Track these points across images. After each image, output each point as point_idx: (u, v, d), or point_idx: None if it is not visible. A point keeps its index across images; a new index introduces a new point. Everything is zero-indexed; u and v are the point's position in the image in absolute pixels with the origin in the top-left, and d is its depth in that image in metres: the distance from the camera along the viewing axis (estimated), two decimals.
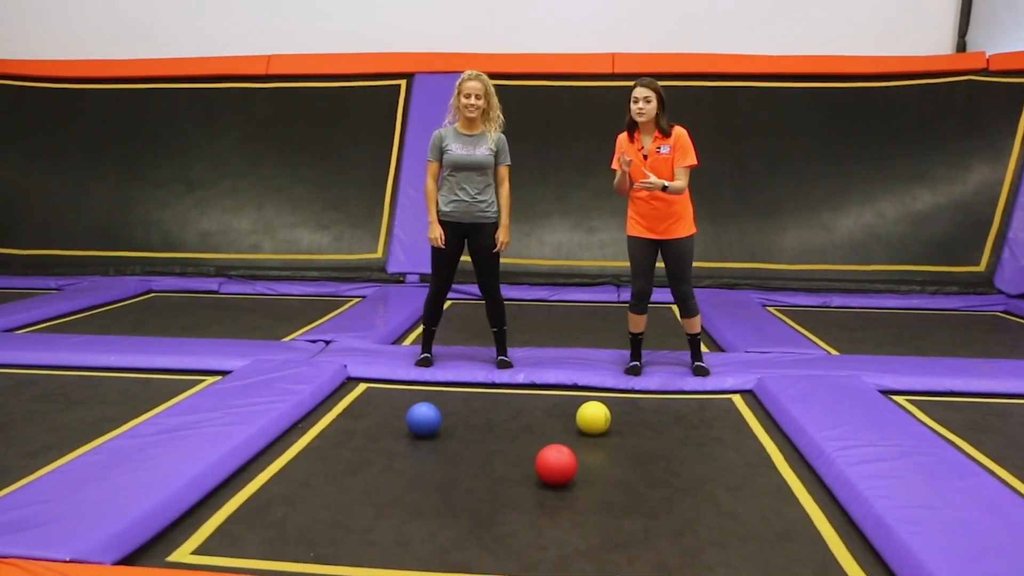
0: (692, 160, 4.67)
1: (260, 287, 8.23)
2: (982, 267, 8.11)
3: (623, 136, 4.80)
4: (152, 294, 8.09)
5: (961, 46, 9.52)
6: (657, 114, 4.60)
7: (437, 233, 4.86)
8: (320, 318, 6.78)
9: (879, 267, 8.22)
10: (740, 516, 3.11)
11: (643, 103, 4.58)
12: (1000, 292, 7.83)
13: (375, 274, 8.47)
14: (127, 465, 3.33)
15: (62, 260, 8.73)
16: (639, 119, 4.63)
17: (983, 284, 7.96)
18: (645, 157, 4.69)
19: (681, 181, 4.64)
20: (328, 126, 9.37)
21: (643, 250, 4.83)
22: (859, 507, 3.02)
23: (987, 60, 8.92)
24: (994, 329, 6.87)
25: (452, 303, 7.58)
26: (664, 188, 4.57)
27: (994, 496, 3.07)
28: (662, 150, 4.65)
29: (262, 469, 3.57)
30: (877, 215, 8.49)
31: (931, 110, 8.86)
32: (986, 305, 7.63)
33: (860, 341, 6.18)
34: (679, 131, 4.68)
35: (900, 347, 5.99)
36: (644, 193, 4.67)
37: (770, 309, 7.32)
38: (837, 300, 7.72)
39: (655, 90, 4.58)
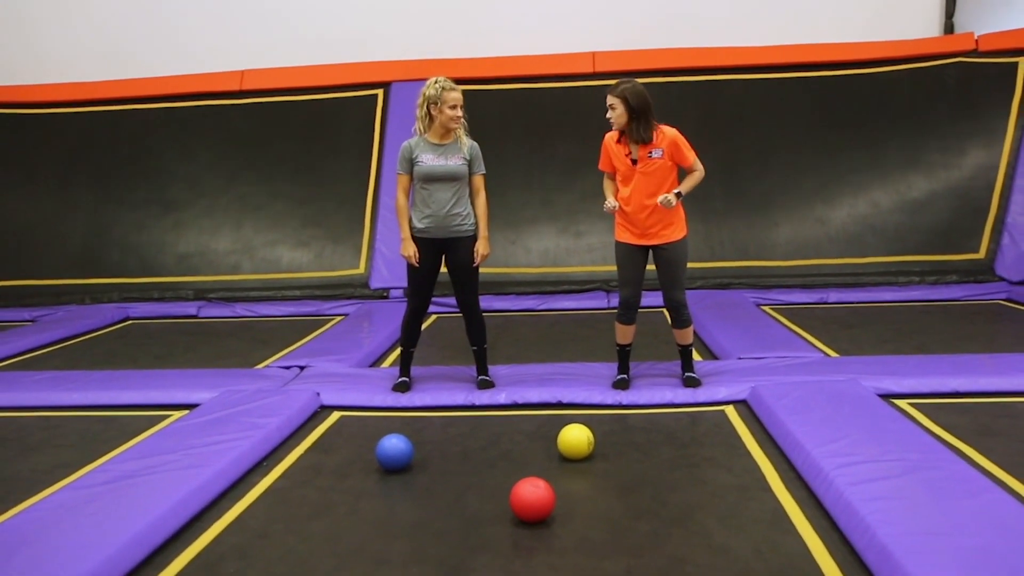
0: (694, 157, 4.45)
1: (240, 309, 7.99)
2: (982, 254, 7.85)
3: (612, 137, 4.51)
4: (129, 321, 7.84)
5: (949, 28, 9.27)
6: (627, 121, 4.34)
7: (412, 251, 4.61)
8: (299, 340, 6.53)
9: (876, 259, 7.96)
10: (732, 550, 2.84)
11: (609, 111, 4.36)
12: (1001, 279, 7.58)
13: (358, 290, 8.22)
14: (68, 522, 3.04)
15: (36, 290, 8.47)
16: (613, 126, 4.40)
17: (983, 272, 7.71)
18: (634, 163, 4.43)
19: (691, 182, 4.45)
20: (305, 140, 9.13)
21: (632, 256, 4.56)
22: (861, 535, 2.75)
23: (976, 41, 8.67)
24: (997, 319, 6.62)
25: (436, 317, 7.35)
26: (679, 195, 4.37)
27: (1009, 516, 2.80)
28: (654, 155, 4.38)
29: (219, 517, 3.30)
30: (872, 205, 8.23)
31: (922, 94, 8.60)
32: (987, 293, 7.38)
33: (860, 339, 5.92)
34: (671, 134, 4.41)
35: (901, 344, 5.73)
36: (632, 198, 4.44)
37: (765, 308, 7.08)
38: (834, 296, 7.48)
39: (620, 97, 4.30)
